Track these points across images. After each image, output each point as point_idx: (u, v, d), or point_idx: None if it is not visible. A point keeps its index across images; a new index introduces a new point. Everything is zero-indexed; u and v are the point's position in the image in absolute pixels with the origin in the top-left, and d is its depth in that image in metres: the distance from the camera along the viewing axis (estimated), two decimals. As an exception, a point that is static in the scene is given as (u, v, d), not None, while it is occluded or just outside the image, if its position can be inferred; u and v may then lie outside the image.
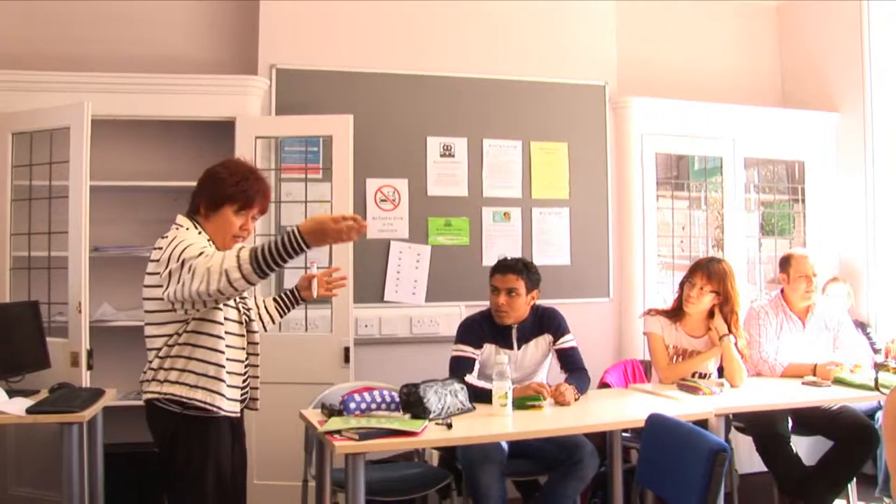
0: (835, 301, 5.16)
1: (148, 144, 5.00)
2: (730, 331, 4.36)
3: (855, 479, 4.55)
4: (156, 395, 2.92)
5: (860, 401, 4.30)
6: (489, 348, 4.14)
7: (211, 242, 2.98)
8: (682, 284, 4.51)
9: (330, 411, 3.46)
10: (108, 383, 4.20)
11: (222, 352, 2.92)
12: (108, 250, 4.73)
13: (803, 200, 6.12)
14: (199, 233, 2.95)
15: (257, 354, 3.11)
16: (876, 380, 4.04)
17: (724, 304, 4.39)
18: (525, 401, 3.74)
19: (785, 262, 4.77)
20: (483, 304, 4.36)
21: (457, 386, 3.68)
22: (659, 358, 4.46)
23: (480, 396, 3.73)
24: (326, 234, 2.67)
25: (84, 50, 4.97)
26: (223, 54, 5.22)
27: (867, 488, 4.72)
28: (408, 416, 3.45)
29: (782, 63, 6.43)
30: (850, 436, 4.27)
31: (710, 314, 4.45)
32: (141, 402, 4.59)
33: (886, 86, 5.63)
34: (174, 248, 2.78)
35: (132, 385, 4.75)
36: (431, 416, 3.41)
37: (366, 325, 5.01)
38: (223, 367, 2.91)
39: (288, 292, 3.51)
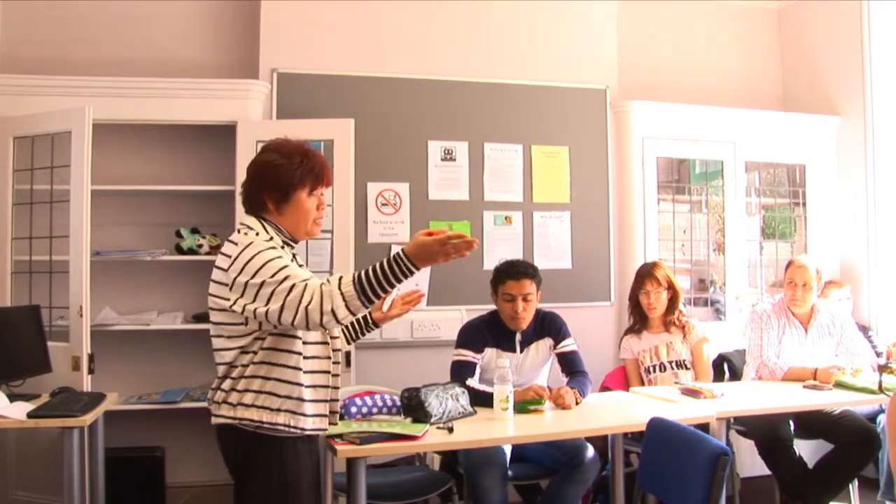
0: (835, 304, 5.16)
1: (149, 148, 5.01)
2: (678, 316, 4.78)
3: (857, 483, 4.56)
4: (229, 421, 2.60)
5: (862, 404, 4.30)
6: (490, 352, 4.14)
7: (287, 244, 2.74)
8: (632, 298, 4.86)
9: (331, 415, 3.46)
10: (110, 387, 4.22)
11: (304, 370, 2.63)
12: (110, 254, 4.73)
13: (804, 204, 6.12)
14: (270, 238, 2.64)
15: (339, 362, 2.80)
16: (880, 382, 4.04)
17: (674, 297, 4.77)
18: (526, 404, 3.74)
19: (785, 268, 4.84)
20: (484, 308, 4.36)
21: (458, 390, 3.69)
22: (633, 380, 4.78)
23: (481, 400, 3.74)
24: (434, 255, 2.51)
25: (85, 54, 4.99)
26: (224, 58, 5.23)
27: (869, 492, 4.72)
28: (409, 420, 3.46)
29: (783, 66, 6.43)
30: (851, 440, 4.27)
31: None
32: (143, 407, 4.67)
33: (887, 89, 5.62)
34: (250, 260, 2.52)
35: (133, 389, 4.80)
36: (433, 420, 3.42)
37: (367, 329, 5.01)
38: (307, 385, 2.63)
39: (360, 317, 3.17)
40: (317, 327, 2.47)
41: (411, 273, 2.50)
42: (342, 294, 2.42)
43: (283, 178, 2.68)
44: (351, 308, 2.43)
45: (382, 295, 2.49)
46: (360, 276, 2.46)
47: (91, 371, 4.29)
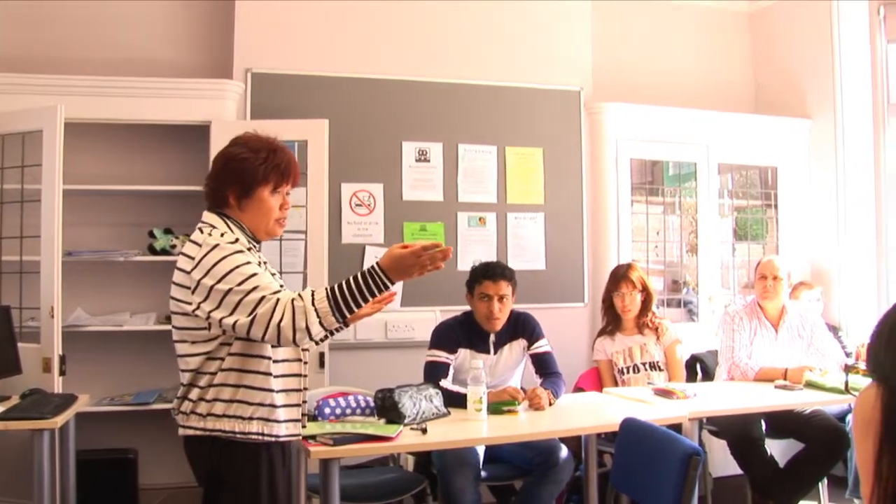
0: (806, 306, 5.20)
1: (122, 148, 4.98)
2: (651, 318, 4.82)
3: (826, 481, 4.61)
4: (199, 433, 2.50)
5: (831, 404, 4.35)
6: (464, 353, 4.15)
7: (252, 241, 2.60)
8: (606, 299, 4.89)
9: (305, 416, 3.45)
10: (81, 389, 4.17)
11: (275, 374, 2.52)
12: (82, 255, 4.69)
13: (776, 206, 6.17)
14: (235, 239, 2.50)
15: (307, 362, 2.71)
16: (846, 382, 4.08)
17: (647, 299, 4.81)
18: (500, 405, 3.75)
19: (755, 269, 4.92)
20: (458, 309, 4.37)
21: (432, 391, 3.69)
22: (606, 381, 4.80)
23: (455, 401, 3.75)
24: (409, 269, 2.45)
25: (58, 53, 4.94)
26: (198, 58, 5.20)
27: (838, 490, 4.77)
28: (383, 421, 3.46)
29: (755, 70, 6.49)
30: (821, 439, 4.32)
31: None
32: (116, 409, 4.63)
33: (857, 94, 5.70)
34: (216, 263, 2.40)
35: (105, 391, 4.76)
36: (406, 421, 3.42)
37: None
38: (278, 390, 2.53)
39: None
40: (289, 344, 2.40)
41: (386, 287, 2.44)
42: (316, 310, 2.35)
43: (247, 173, 2.56)
44: (325, 324, 2.37)
45: (356, 310, 2.43)
46: (333, 290, 2.39)
47: (62, 372, 4.25)
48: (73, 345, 4.41)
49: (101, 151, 4.92)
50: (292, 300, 2.36)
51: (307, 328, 2.34)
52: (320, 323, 2.35)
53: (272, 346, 2.49)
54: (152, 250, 4.82)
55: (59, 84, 4.60)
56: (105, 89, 4.67)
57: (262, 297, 2.35)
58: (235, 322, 2.35)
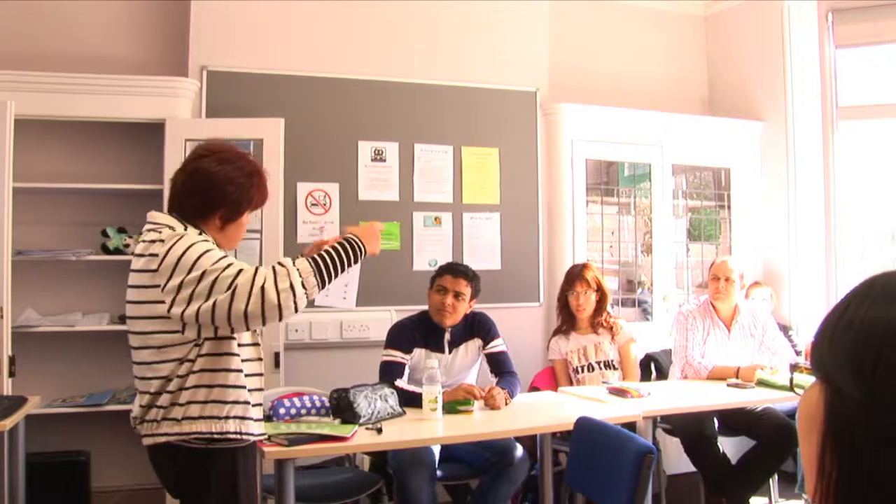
0: (757, 304, 5.28)
1: (75, 146, 4.90)
2: (605, 318, 4.87)
3: (777, 477, 4.69)
4: (173, 439, 2.42)
5: (782, 401, 4.42)
6: (419, 353, 4.16)
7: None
8: (561, 299, 4.93)
9: (259, 417, 3.43)
10: (32, 391, 4.11)
11: (243, 371, 2.50)
12: (32, 254, 4.62)
13: (729, 206, 6.24)
14: (200, 233, 2.51)
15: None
16: (791, 380, 4.14)
17: (602, 299, 4.86)
18: (455, 405, 3.76)
19: (709, 269, 4.97)
20: (413, 309, 4.38)
21: (387, 391, 3.69)
22: (561, 380, 4.84)
23: (411, 401, 3.75)
24: (374, 232, 2.73)
25: (8, 48, 4.86)
26: (153, 55, 5.14)
27: (788, 486, 4.85)
28: (338, 421, 3.45)
29: (709, 71, 6.56)
30: (771, 436, 4.39)
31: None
32: (67, 410, 4.56)
33: (807, 97, 5.79)
34: (183, 255, 2.34)
35: (56, 392, 4.69)
36: (361, 420, 3.42)
37: (296, 330, 4.97)
38: (248, 388, 2.52)
39: None
40: (273, 310, 2.30)
41: (363, 255, 2.63)
42: (298, 270, 2.38)
43: (242, 198, 2.60)
44: (307, 285, 2.39)
45: (335, 277, 2.50)
46: (315, 259, 2.46)
47: (12, 374, 4.19)
48: (23, 346, 4.35)
49: (52, 149, 4.84)
50: (272, 266, 2.38)
51: (291, 287, 2.34)
52: (303, 283, 2.38)
53: (237, 336, 2.47)
54: (105, 249, 4.76)
55: (10, 80, 4.50)
56: (57, 85, 4.59)
57: (240, 270, 2.34)
58: (215, 302, 2.28)
